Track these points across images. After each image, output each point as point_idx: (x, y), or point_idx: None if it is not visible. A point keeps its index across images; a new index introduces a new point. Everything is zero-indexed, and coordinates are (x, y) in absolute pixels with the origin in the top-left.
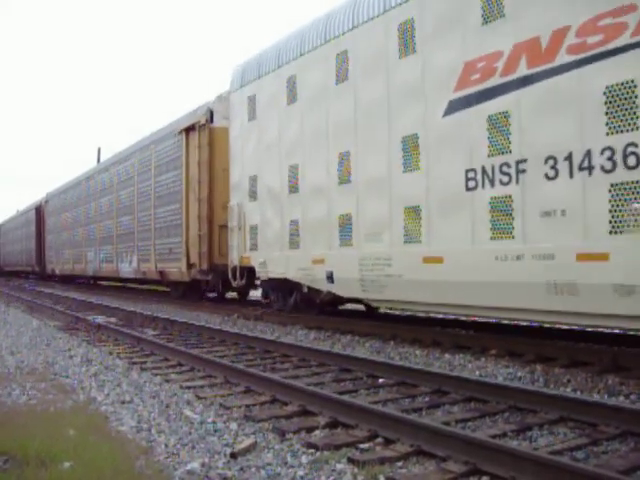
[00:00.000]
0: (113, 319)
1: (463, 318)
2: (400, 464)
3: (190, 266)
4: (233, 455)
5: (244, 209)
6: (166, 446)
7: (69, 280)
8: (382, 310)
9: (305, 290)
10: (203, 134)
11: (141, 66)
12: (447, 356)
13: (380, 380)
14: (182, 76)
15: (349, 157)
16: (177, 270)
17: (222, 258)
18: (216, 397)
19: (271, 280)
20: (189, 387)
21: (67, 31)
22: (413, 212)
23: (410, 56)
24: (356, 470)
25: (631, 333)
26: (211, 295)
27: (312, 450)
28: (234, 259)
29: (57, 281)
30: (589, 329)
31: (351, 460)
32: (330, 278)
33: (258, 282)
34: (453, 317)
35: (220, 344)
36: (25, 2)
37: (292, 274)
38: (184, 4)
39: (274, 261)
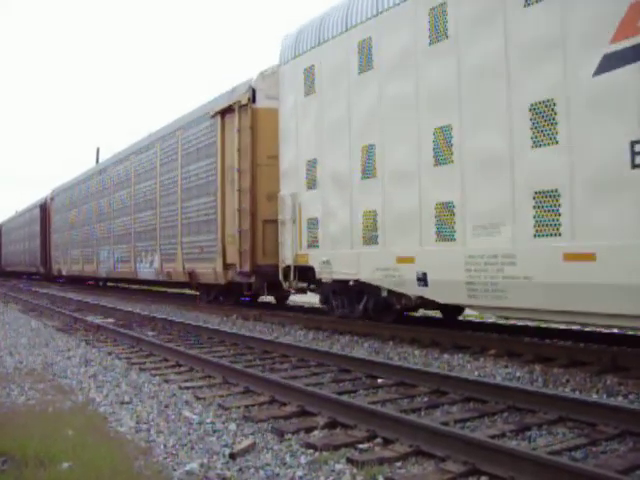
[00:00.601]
0: (111, 320)
1: (467, 319)
2: (399, 464)
3: (227, 267)
4: (232, 455)
5: (299, 199)
6: (165, 446)
7: (77, 282)
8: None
9: (384, 294)
10: (244, 116)
11: (141, 66)
12: (446, 356)
13: (379, 380)
14: (182, 76)
15: (450, 132)
16: (210, 271)
17: (266, 258)
18: (215, 397)
19: (335, 282)
20: (188, 387)
21: (66, 31)
22: (548, 197)
23: (541, 2)
24: (355, 470)
25: (630, 333)
26: (236, 298)
27: (311, 450)
28: (286, 258)
29: (63, 282)
30: (587, 329)
31: (350, 460)
32: (422, 280)
33: (301, 283)
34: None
35: (219, 344)
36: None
37: (367, 275)
38: (184, 6)
39: (341, 260)
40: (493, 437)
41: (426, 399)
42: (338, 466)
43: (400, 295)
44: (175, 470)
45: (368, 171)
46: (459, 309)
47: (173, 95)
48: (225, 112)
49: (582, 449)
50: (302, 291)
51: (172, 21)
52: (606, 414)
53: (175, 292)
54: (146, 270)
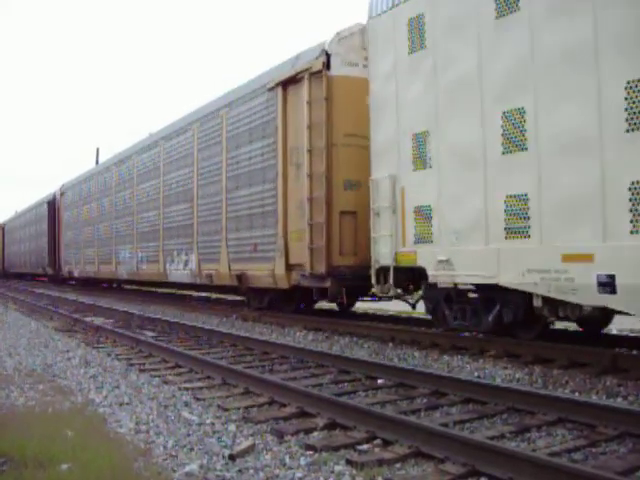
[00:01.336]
0: (111, 320)
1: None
2: (398, 466)
3: (290, 268)
4: (231, 457)
5: (402, 183)
6: (164, 448)
7: (91, 284)
8: (378, 312)
9: (537, 303)
10: (316, 85)
11: (141, 66)
12: (446, 357)
13: (379, 381)
14: (183, 76)
15: None
16: (267, 273)
17: (344, 257)
18: (214, 399)
19: (448, 287)
20: (187, 388)
21: (65, 31)
22: None
23: None
24: (354, 472)
25: (630, 334)
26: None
27: (310, 452)
28: (382, 257)
29: (75, 285)
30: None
31: (349, 462)
32: (607, 286)
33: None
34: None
35: (218, 345)
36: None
37: (511, 278)
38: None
39: (469, 259)
40: (492, 438)
41: (425, 400)
42: (337, 467)
43: (558, 305)
44: (175, 471)
45: (514, 143)
46: (606, 321)
47: (174, 95)
48: (287, 83)
49: (581, 450)
50: (393, 298)
51: (172, 21)
52: (605, 415)
53: (175, 293)
54: (179, 272)
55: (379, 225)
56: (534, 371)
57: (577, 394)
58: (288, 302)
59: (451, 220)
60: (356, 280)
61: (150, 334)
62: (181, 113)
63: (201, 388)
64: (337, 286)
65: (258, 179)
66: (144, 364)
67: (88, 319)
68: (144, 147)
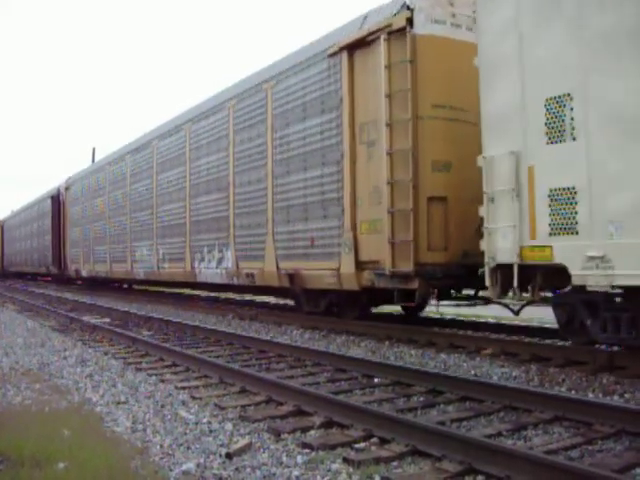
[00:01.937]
0: (108, 319)
1: (460, 318)
2: (395, 464)
3: (361, 266)
4: (228, 455)
5: (530, 161)
6: (161, 446)
7: (99, 284)
8: (376, 310)
9: None
10: (398, 46)
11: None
12: (442, 356)
13: (375, 380)
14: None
15: None
16: (329, 273)
17: (433, 253)
18: (211, 397)
19: (591, 292)
20: (184, 387)
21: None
22: None
23: None
24: (351, 470)
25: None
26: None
27: (307, 450)
28: (500, 252)
29: (81, 285)
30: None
31: (346, 460)
32: None
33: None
34: (449, 317)
35: (215, 344)
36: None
37: None
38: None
39: (636, 254)
40: (489, 436)
41: (422, 399)
42: (334, 466)
43: None
44: (171, 470)
45: None
46: None
47: (170, 95)
48: (355, 47)
49: (578, 448)
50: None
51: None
52: (602, 413)
53: (171, 292)
54: (211, 271)
55: (496, 214)
56: (530, 369)
57: (573, 392)
58: (352, 306)
59: (608, 206)
60: (447, 280)
61: (147, 333)
62: (177, 111)
63: (198, 387)
64: (426, 287)
65: (316, 162)
66: (141, 363)
67: (85, 318)
68: (166, 132)
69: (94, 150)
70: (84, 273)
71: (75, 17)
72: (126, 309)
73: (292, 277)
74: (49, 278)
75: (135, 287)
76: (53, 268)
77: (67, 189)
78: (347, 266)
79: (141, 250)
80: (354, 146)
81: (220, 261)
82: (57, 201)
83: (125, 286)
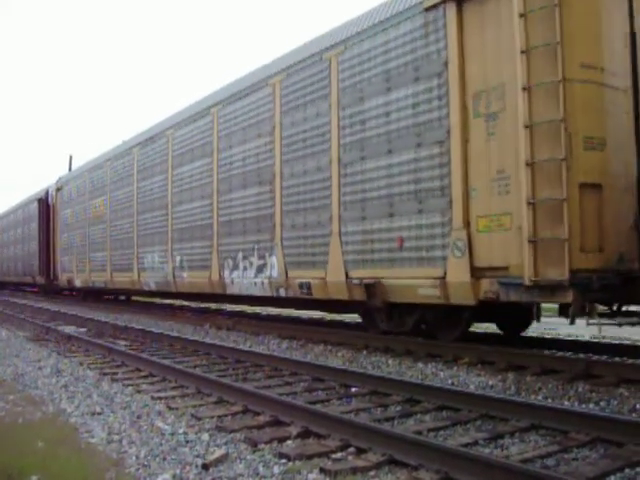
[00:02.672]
0: (84, 329)
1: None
2: (372, 474)
3: (478, 273)
4: (205, 466)
5: None
6: (137, 457)
7: (97, 296)
8: (353, 320)
9: None
10: None
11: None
12: (419, 365)
13: (352, 389)
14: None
15: None
16: (429, 282)
17: (588, 256)
18: (188, 408)
19: None
20: (161, 398)
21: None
22: None
23: None
24: None
25: (604, 341)
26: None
27: (284, 460)
28: None
29: (74, 296)
30: (560, 336)
31: (323, 470)
32: None
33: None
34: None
35: (192, 354)
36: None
37: None
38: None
39: None
40: (466, 445)
41: (399, 408)
42: (311, 476)
43: None
44: None
45: None
46: None
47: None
48: None
49: (554, 456)
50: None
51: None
52: (578, 421)
53: (147, 302)
54: (247, 281)
55: None
56: (507, 378)
57: (550, 400)
58: (451, 324)
59: None
60: (603, 292)
61: (123, 343)
62: (199, 95)
63: (174, 397)
64: (582, 300)
65: (405, 143)
66: (117, 373)
67: (60, 328)
68: (186, 119)
69: (71, 158)
70: (78, 283)
71: (51, 24)
72: (103, 319)
73: (369, 288)
74: (36, 289)
75: (134, 299)
76: (40, 278)
77: (58, 190)
78: (457, 274)
79: (151, 257)
80: (466, 121)
81: (261, 269)
82: (45, 204)
83: (122, 298)
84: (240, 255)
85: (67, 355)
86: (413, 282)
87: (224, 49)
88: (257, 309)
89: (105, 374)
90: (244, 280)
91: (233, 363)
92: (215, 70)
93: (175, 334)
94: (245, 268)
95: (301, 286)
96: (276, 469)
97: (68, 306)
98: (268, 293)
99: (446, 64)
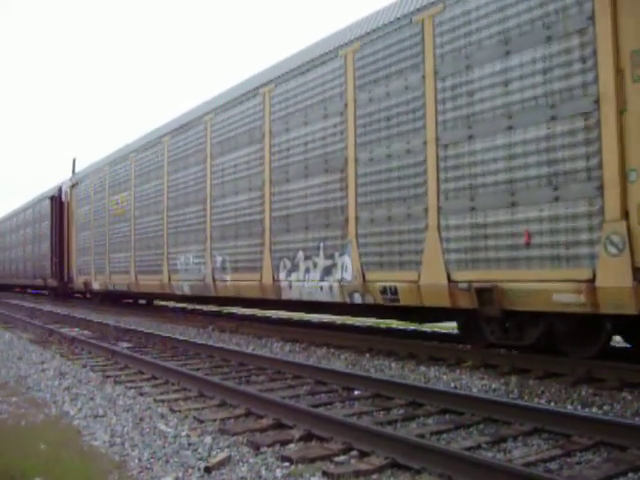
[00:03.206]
0: (87, 332)
1: (442, 330)
2: (375, 477)
3: None
4: (207, 469)
5: None
6: (139, 460)
7: (115, 300)
8: (356, 322)
9: None
10: None
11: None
12: (422, 368)
13: (355, 392)
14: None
15: None
16: (572, 287)
17: None
18: (190, 410)
19: None
20: (163, 400)
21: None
22: None
23: None
24: None
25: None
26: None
27: (287, 463)
28: None
29: (90, 300)
30: None
31: (325, 473)
32: None
33: None
34: (428, 330)
35: (195, 357)
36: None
37: None
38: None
39: None
40: (469, 449)
41: (402, 411)
42: (314, 479)
43: None
44: None
45: None
46: None
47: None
48: None
49: (557, 460)
50: None
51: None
52: (581, 425)
53: (155, 305)
54: (310, 284)
55: None
56: (510, 381)
57: (553, 404)
58: (588, 338)
59: None
60: None
61: (126, 345)
62: (227, 85)
63: (177, 400)
64: None
65: (534, 117)
66: (120, 376)
67: (64, 330)
68: (229, 102)
69: (74, 161)
70: (96, 286)
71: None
72: (105, 321)
73: (482, 294)
74: (45, 292)
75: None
76: (53, 280)
77: (73, 186)
78: (612, 276)
79: (185, 257)
80: (621, 86)
81: (328, 271)
82: (58, 202)
83: (142, 302)
84: (300, 255)
85: (70, 357)
86: (545, 286)
87: (226, 53)
88: (258, 312)
89: (108, 376)
90: (306, 284)
91: (236, 366)
92: (217, 73)
93: (178, 337)
94: (307, 270)
95: (384, 291)
96: (279, 472)
97: (72, 309)
98: (338, 299)
99: (592, 18)
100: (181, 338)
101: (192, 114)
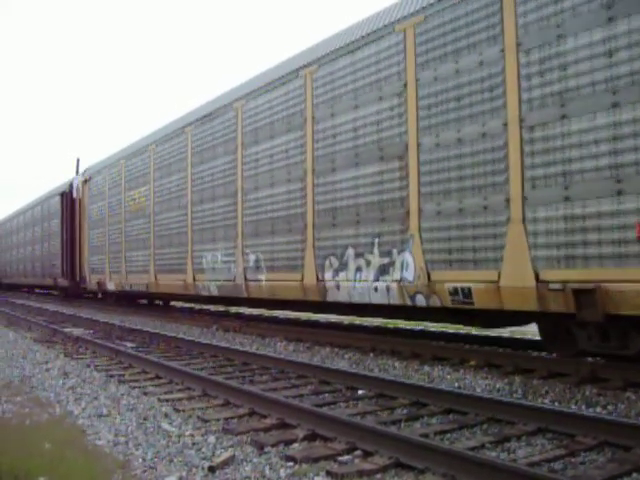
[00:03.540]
0: (90, 331)
1: (447, 330)
2: (379, 477)
3: None
4: (211, 469)
5: None
6: (143, 460)
7: (131, 300)
8: (360, 322)
9: None
10: None
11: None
12: (426, 368)
13: (359, 392)
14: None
15: None
16: None
17: None
18: (194, 410)
19: None
20: (167, 400)
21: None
22: None
23: None
24: None
25: None
26: None
27: (291, 463)
28: None
29: (101, 300)
30: None
31: (329, 473)
32: None
33: None
34: (433, 329)
35: (199, 356)
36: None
37: None
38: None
39: None
40: (473, 449)
41: (406, 411)
42: (317, 478)
43: None
44: None
45: None
46: None
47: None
48: None
49: (561, 460)
50: None
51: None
52: (585, 425)
53: (157, 304)
54: (362, 285)
55: None
56: (514, 381)
57: (557, 404)
58: None
59: None
60: None
61: (130, 345)
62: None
63: (181, 399)
64: None
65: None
66: (124, 375)
67: (68, 330)
68: (262, 87)
69: (78, 161)
70: (111, 286)
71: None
72: (109, 321)
73: (581, 296)
74: (55, 292)
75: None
76: (63, 280)
77: (85, 182)
78: None
79: (212, 255)
80: None
81: (384, 270)
82: (69, 198)
83: (159, 303)
84: (350, 252)
85: (74, 357)
86: None
87: (228, 53)
88: (265, 312)
89: (112, 376)
90: (357, 284)
91: (240, 365)
92: (219, 73)
93: (182, 336)
94: (359, 269)
95: (454, 292)
96: (282, 472)
97: (78, 309)
98: (397, 301)
99: None
100: (185, 338)
101: (219, 101)
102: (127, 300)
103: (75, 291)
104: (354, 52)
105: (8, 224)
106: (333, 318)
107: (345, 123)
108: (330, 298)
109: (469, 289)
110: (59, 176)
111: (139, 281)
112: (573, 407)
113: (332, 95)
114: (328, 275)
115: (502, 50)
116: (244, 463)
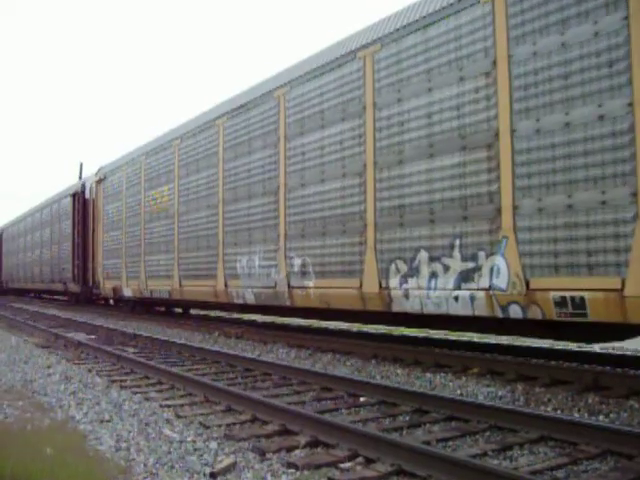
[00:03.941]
0: (93, 336)
1: (449, 337)
2: None
3: None
4: (212, 475)
5: None
6: (145, 465)
7: (150, 308)
8: (362, 328)
9: None
10: None
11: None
12: (428, 375)
13: (361, 399)
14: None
15: None
16: None
17: None
18: (196, 416)
19: None
20: (169, 406)
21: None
22: None
23: None
24: None
25: (612, 352)
26: None
27: (292, 470)
28: None
29: (114, 306)
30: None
31: None
32: None
33: None
34: (436, 336)
35: (201, 362)
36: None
37: None
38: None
39: None
40: (475, 456)
41: (408, 418)
42: None
43: None
44: None
45: None
46: None
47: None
48: None
49: (563, 468)
50: None
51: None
52: (587, 433)
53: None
54: (439, 293)
55: None
56: (516, 389)
57: (559, 412)
58: None
59: None
60: None
61: (132, 350)
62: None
63: (183, 405)
64: None
65: None
66: (125, 381)
67: (70, 335)
68: (309, 72)
69: (82, 165)
70: (127, 292)
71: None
72: (111, 326)
73: None
74: (65, 297)
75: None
76: (74, 285)
77: (99, 182)
78: None
79: (248, 259)
80: None
81: (468, 276)
82: (82, 199)
83: (178, 310)
84: (423, 255)
85: (76, 362)
86: None
87: (231, 57)
88: (266, 318)
89: (114, 381)
90: (431, 292)
91: (242, 371)
92: (224, 78)
93: (183, 342)
94: (434, 275)
95: (562, 303)
96: (284, 478)
97: (79, 314)
98: (483, 312)
99: None
100: (186, 343)
101: (256, 91)
102: (145, 308)
103: (87, 297)
104: (426, 28)
105: (15, 227)
106: (332, 325)
107: (415, 109)
108: (396, 308)
109: (582, 298)
110: (61, 183)
111: (161, 287)
112: (576, 415)
113: (398, 78)
114: (394, 282)
115: (626, 17)
116: (246, 469)
